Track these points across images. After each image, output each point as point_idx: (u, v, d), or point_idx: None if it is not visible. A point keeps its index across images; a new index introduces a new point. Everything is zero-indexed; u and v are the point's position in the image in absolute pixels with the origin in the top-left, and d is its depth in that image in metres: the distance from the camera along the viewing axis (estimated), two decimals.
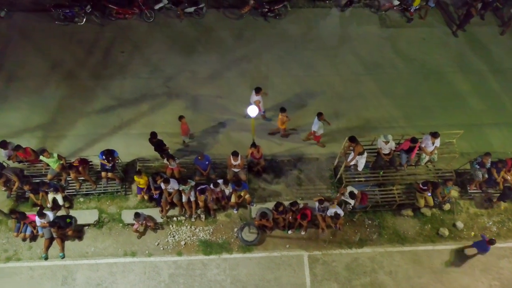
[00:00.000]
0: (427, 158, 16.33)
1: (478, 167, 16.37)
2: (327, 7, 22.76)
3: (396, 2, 21.52)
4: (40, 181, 16.11)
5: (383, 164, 16.66)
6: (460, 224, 16.65)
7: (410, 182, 17.05)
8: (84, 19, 21.45)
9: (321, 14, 22.58)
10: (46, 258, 15.93)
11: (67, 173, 16.23)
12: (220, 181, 15.63)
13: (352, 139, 15.33)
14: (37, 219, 15.30)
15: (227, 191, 16.01)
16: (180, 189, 15.77)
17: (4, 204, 16.70)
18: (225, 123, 18.78)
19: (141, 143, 17.66)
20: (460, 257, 16.20)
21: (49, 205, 16.14)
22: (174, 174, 16.37)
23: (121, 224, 16.53)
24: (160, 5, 21.56)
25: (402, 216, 16.91)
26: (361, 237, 16.49)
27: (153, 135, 16.00)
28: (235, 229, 16.51)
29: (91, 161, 16.81)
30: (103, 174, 16.40)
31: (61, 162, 16.12)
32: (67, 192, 16.68)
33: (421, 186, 15.79)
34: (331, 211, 15.44)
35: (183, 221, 16.65)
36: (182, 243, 16.26)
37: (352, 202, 15.85)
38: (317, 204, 15.59)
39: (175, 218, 16.67)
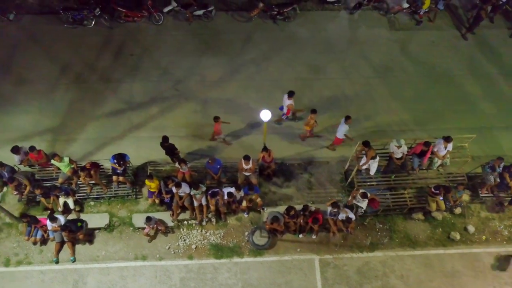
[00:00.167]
0: (439, 162, 16.29)
1: (489, 171, 16.33)
2: (336, 10, 22.71)
3: (406, 5, 21.46)
4: (51, 185, 16.05)
5: (394, 168, 16.57)
6: (471, 228, 16.60)
7: (421, 186, 16.96)
8: (93, 22, 21.41)
9: (330, 17, 22.54)
10: (57, 262, 15.92)
11: (78, 177, 16.19)
12: (232, 189, 15.55)
13: (366, 144, 15.31)
14: (48, 223, 15.29)
15: (238, 196, 15.95)
16: (192, 194, 15.73)
17: (14, 208, 16.69)
18: (235, 126, 18.68)
19: (151, 146, 17.65)
20: (471, 261, 16.10)
21: (60, 209, 16.13)
22: (185, 178, 16.35)
23: (131, 228, 16.52)
24: (169, 8, 21.52)
25: (413, 220, 16.87)
26: (372, 241, 16.45)
27: (165, 139, 15.98)
28: (246, 233, 16.50)
29: (102, 165, 16.75)
30: (114, 178, 16.38)
31: (72, 166, 16.09)
32: (77, 196, 16.63)
33: (433, 190, 15.76)
34: (342, 215, 15.41)
35: (193, 225, 16.64)
36: (193, 246, 16.24)
37: (364, 205, 15.79)
38: (329, 208, 15.53)
39: (185, 222, 16.65)
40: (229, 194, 15.49)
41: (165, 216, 16.53)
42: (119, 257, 16.09)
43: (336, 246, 16.28)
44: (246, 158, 15.75)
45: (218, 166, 16.29)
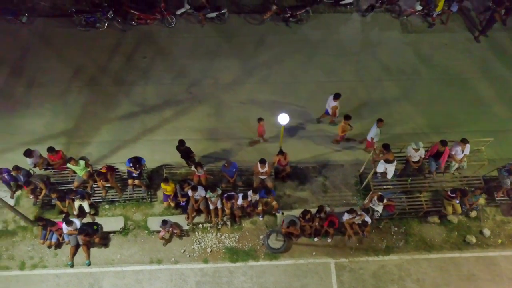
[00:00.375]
0: (456, 165, 16.23)
1: (506, 174, 16.23)
2: (348, 12, 22.68)
3: (419, 7, 21.39)
4: (67, 189, 16.05)
5: (411, 172, 16.50)
6: (487, 232, 16.52)
7: (436, 189, 16.90)
8: (106, 25, 21.41)
9: (342, 19, 22.51)
10: (72, 266, 15.90)
11: (94, 180, 16.18)
12: (249, 193, 15.51)
13: (385, 147, 15.26)
14: (64, 226, 15.28)
15: (253, 199, 15.91)
16: (207, 196, 15.69)
17: (29, 211, 16.68)
18: (249, 129, 18.70)
19: (166, 149, 17.69)
20: (487, 264, 16.05)
21: (75, 212, 16.12)
22: (201, 181, 16.31)
23: (146, 231, 16.49)
24: (182, 10, 21.53)
25: (428, 223, 16.79)
26: (388, 244, 16.39)
27: (181, 143, 15.98)
28: (261, 236, 16.46)
29: (117, 168, 16.73)
30: (129, 181, 16.37)
31: (88, 169, 16.07)
32: (92, 199, 16.63)
33: (449, 193, 15.67)
34: (358, 219, 15.36)
35: (208, 228, 16.60)
36: (208, 250, 16.21)
37: (380, 209, 15.76)
38: (346, 214, 15.48)
39: (200, 225, 16.62)
40: (244, 196, 15.43)
41: (180, 220, 16.49)
42: (134, 261, 16.06)
43: (352, 249, 16.22)
44: (262, 161, 15.72)
45: (234, 170, 16.26)
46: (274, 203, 16.13)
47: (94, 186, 16.70)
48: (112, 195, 16.88)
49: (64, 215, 16.34)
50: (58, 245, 16.18)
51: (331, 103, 17.24)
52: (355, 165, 17.92)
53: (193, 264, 16.04)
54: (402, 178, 16.70)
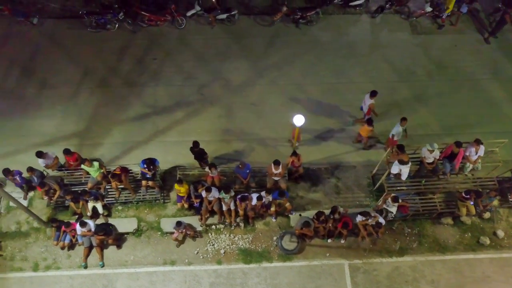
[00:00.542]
0: (471, 166, 16.22)
1: None
2: (358, 14, 22.66)
3: (429, 9, 21.40)
4: (81, 190, 16.02)
5: (424, 173, 16.50)
6: (500, 233, 16.51)
7: (449, 190, 16.86)
8: (116, 26, 21.37)
9: (351, 20, 22.50)
10: (85, 267, 15.90)
11: (108, 181, 16.16)
12: (263, 193, 15.50)
13: (400, 148, 15.26)
14: (78, 227, 15.25)
15: (266, 200, 15.90)
16: (221, 197, 15.67)
17: (42, 213, 16.66)
18: (260, 131, 18.72)
19: (178, 151, 17.72)
20: (501, 266, 16.05)
21: (89, 214, 16.09)
22: (214, 182, 16.29)
23: (159, 233, 16.48)
24: (193, 11, 21.52)
25: (441, 224, 16.79)
26: (401, 246, 16.38)
27: (195, 144, 15.97)
28: (275, 238, 16.45)
29: (131, 170, 16.70)
30: (143, 182, 16.34)
31: (102, 171, 16.05)
32: (105, 201, 16.58)
33: (463, 194, 15.65)
34: (372, 220, 15.36)
35: (221, 229, 16.60)
36: (222, 251, 16.20)
37: (394, 210, 15.76)
38: (359, 216, 15.47)
39: (213, 226, 16.61)
40: (259, 197, 15.41)
41: (193, 221, 16.49)
42: (148, 262, 16.05)
43: (365, 251, 16.21)
44: (276, 163, 15.69)
45: (248, 171, 16.25)
46: (287, 204, 16.11)
47: (107, 187, 16.64)
48: (126, 196, 16.85)
49: (77, 216, 16.31)
50: (71, 246, 16.18)
51: (367, 101, 17.19)
52: (368, 167, 17.90)
53: (207, 266, 16.03)
54: (416, 179, 16.63)
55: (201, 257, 16.15)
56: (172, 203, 17.00)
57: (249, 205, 15.73)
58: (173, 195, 17.07)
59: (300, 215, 15.99)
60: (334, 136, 18.36)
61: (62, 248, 16.05)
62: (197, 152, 16.25)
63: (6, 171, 15.68)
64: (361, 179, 17.74)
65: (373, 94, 16.97)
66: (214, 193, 15.59)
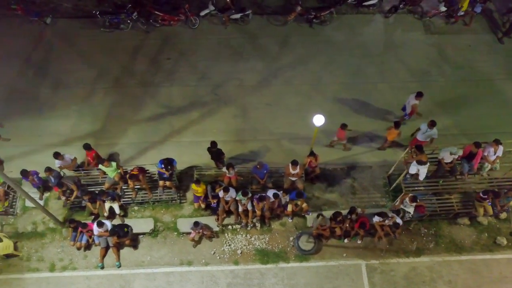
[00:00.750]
0: (489, 167, 16.18)
1: None
2: (371, 14, 22.60)
3: (443, 8, 21.33)
4: (99, 190, 15.99)
5: (441, 174, 16.46)
6: None
7: (466, 191, 16.83)
8: (130, 26, 21.33)
9: (365, 20, 22.45)
10: (102, 267, 15.90)
11: (125, 182, 16.15)
12: (280, 193, 15.51)
13: (419, 148, 15.22)
14: (95, 228, 15.24)
15: (283, 200, 15.88)
16: (238, 198, 15.65)
17: (58, 213, 16.63)
18: (275, 130, 18.68)
19: (193, 151, 17.74)
20: None
21: (105, 214, 16.05)
22: (231, 182, 16.27)
23: (175, 233, 16.48)
24: (206, 11, 21.49)
25: (458, 224, 16.77)
26: (418, 246, 16.37)
27: (213, 144, 15.93)
28: (291, 238, 16.43)
29: (147, 170, 16.68)
30: (160, 183, 16.32)
31: (119, 171, 16.03)
32: (122, 201, 16.55)
33: (481, 195, 15.63)
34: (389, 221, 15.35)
35: (238, 230, 16.59)
36: (238, 252, 16.19)
37: (411, 210, 15.73)
38: (376, 217, 15.45)
39: (230, 227, 16.60)
40: (275, 194, 15.43)
41: (210, 221, 16.48)
42: (165, 263, 16.05)
43: (382, 251, 16.18)
44: (294, 163, 15.69)
45: (265, 171, 16.24)
46: (304, 205, 16.09)
47: (123, 187, 16.62)
48: (142, 197, 16.83)
49: (93, 216, 16.29)
50: (88, 246, 16.18)
51: (411, 101, 17.09)
52: (383, 167, 17.88)
53: (224, 266, 16.01)
54: (433, 179, 16.59)
55: (218, 257, 16.14)
56: (189, 203, 16.99)
57: (267, 205, 15.69)
58: (189, 195, 17.07)
59: (321, 215, 15.85)
60: (350, 136, 18.21)
61: (79, 248, 16.04)
62: (215, 152, 16.22)
63: (25, 172, 15.64)
64: (377, 179, 17.71)
65: (419, 95, 16.86)
66: (232, 194, 15.58)
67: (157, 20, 21.49)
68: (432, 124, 16.07)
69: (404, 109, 17.85)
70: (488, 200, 15.70)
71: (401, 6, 22.04)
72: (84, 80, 20.06)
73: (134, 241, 16.27)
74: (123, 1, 21.65)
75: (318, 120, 14.47)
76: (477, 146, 15.57)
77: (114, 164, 15.85)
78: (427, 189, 16.56)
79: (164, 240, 16.44)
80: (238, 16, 21.49)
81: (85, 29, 21.73)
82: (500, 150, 15.76)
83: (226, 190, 15.29)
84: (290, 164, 15.79)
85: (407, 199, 15.47)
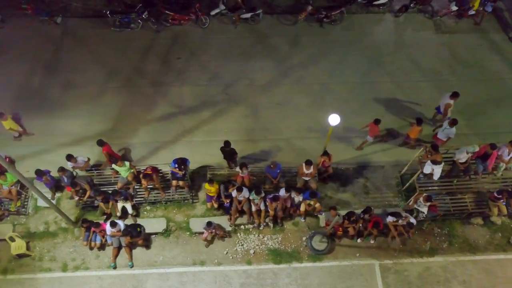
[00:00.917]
0: (504, 166, 16.12)
1: None
2: (381, 13, 22.54)
3: (454, 8, 21.25)
4: (112, 190, 15.95)
5: (455, 173, 16.41)
6: None
7: (480, 190, 16.77)
8: (140, 25, 21.28)
9: (375, 20, 22.41)
10: (114, 267, 15.86)
11: (138, 181, 16.10)
12: (293, 193, 15.57)
13: (434, 147, 15.17)
14: (108, 227, 15.18)
15: (296, 199, 15.83)
16: (251, 198, 15.61)
17: (70, 213, 16.57)
18: (286, 130, 18.66)
19: (205, 150, 17.71)
20: None
21: (118, 214, 16.00)
22: (244, 182, 16.22)
23: (188, 233, 16.43)
24: (217, 10, 21.44)
25: (471, 224, 16.72)
26: (432, 246, 16.33)
27: (227, 144, 15.88)
28: (304, 238, 16.39)
29: (160, 169, 16.64)
30: (173, 182, 16.27)
31: (132, 170, 15.98)
32: (134, 201, 16.50)
33: (495, 194, 15.58)
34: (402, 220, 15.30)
35: (250, 229, 16.54)
36: (251, 251, 16.15)
37: (425, 210, 15.68)
38: (389, 217, 15.39)
39: (242, 227, 16.55)
40: (287, 189, 15.52)
41: (222, 221, 16.43)
42: (177, 263, 16.00)
43: (395, 251, 16.14)
44: (308, 163, 15.64)
45: (278, 171, 16.21)
46: (317, 205, 16.03)
47: (136, 187, 16.57)
48: (154, 196, 16.78)
49: (105, 216, 16.24)
50: (101, 246, 16.10)
51: (445, 100, 16.95)
52: (396, 166, 17.83)
53: (237, 266, 15.97)
54: (446, 179, 16.54)
55: (231, 257, 16.09)
56: (201, 203, 16.94)
57: (280, 205, 15.63)
58: (201, 195, 17.03)
59: (338, 215, 15.74)
60: (361, 135, 18.15)
61: (91, 248, 15.99)
62: (228, 151, 16.18)
63: (40, 172, 15.58)
64: (390, 179, 17.66)
65: (454, 95, 16.72)
66: (245, 193, 15.52)
67: (168, 20, 21.43)
68: (453, 123, 16.06)
69: (438, 108, 17.68)
70: (502, 200, 15.63)
71: (411, 5, 21.98)
72: (95, 80, 20.00)
73: (147, 241, 16.22)
74: (133, 1, 21.57)
75: (334, 119, 14.39)
76: (493, 147, 15.52)
77: (127, 163, 15.80)
78: (441, 188, 16.51)
79: (177, 240, 16.39)
80: (248, 15, 21.44)
81: (96, 29, 21.68)
82: None
83: (239, 190, 15.23)
84: (304, 164, 15.75)
85: (421, 198, 15.42)
